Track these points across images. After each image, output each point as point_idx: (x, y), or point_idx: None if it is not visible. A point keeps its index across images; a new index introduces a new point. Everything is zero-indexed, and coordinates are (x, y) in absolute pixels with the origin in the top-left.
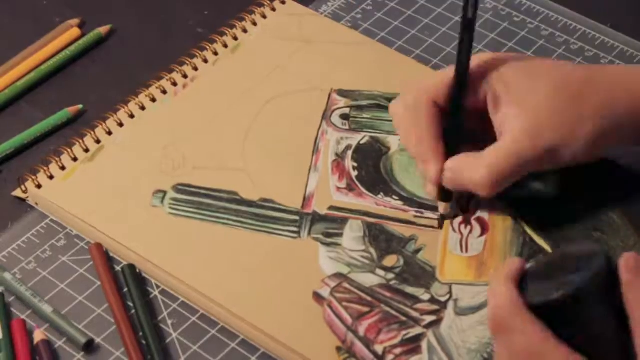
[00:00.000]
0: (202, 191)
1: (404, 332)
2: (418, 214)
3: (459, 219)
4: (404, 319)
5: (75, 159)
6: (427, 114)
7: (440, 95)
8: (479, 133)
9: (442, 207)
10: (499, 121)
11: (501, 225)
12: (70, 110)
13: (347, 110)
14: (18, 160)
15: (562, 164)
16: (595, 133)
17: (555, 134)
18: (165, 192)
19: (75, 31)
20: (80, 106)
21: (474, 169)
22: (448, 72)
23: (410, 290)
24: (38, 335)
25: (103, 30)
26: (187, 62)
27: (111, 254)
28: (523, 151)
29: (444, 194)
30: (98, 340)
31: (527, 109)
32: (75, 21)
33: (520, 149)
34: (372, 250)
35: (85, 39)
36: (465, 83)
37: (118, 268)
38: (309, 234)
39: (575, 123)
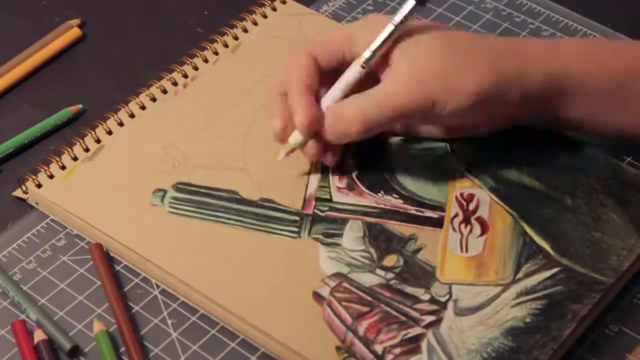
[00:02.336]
0: (203, 190)
1: (403, 332)
2: (418, 213)
3: (460, 218)
4: (403, 318)
5: (75, 159)
6: (306, 65)
7: (322, 53)
8: None
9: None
10: (386, 71)
11: (501, 225)
12: (71, 109)
13: None
14: (18, 160)
15: (442, 116)
16: (478, 88)
17: (435, 82)
18: (165, 191)
19: (75, 31)
20: (81, 106)
21: (349, 111)
22: (336, 35)
23: (410, 290)
24: (38, 335)
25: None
26: (188, 62)
27: (111, 254)
28: (399, 94)
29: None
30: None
31: (412, 58)
32: (76, 21)
33: (396, 91)
34: (372, 250)
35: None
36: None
37: (118, 268)
38: (309, 234)
39: (457, 74)
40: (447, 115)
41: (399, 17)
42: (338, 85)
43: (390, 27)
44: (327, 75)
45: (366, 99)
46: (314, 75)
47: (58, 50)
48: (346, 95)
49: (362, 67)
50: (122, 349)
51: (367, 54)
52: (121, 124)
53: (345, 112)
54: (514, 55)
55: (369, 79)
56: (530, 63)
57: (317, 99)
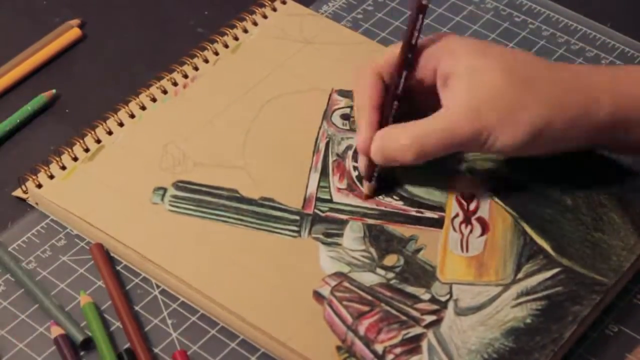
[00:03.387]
0: (203, 188)
1: (404, 332)
2: (418, 214)
3: (460, 218)
4: (404, 318)
5: (75, 159)
6: (370, 86)
7: (386, 71)
8: (430, 114)
9: (366, 187)
10: (445, 96)
11: (501, 225)
12: (45, 95)
13: (347, 110)
14: (7, 154)
15: (494, 149)
16: (533, 126)
17: (492, 115)
18: (165, 189)
19: (75, 31)
20: (54, 90)
21: (401, 136)
22: (395, 49)
23: (410, 289)
24: (56, 330)
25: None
26: (188, 62)
27: (111, 254)
28: (456, 127)
29: (368, 170)
30: None
31: (472, 86)
32: (76, 21)
33: (453, 123)
34: (372, 250)
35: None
36: (410, 65)
37: (118, 268)
38: (310, 233)
39: (514, 109)
40: (499, 151)
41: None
42: (390, 104)
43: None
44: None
45: (421, 127)
46: (379, 92)
47: (58, 50)
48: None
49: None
50: (125, 347)
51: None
52: (121, 124)
53: (397, 138)
54: (580, 90)
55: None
56: (597, 97)
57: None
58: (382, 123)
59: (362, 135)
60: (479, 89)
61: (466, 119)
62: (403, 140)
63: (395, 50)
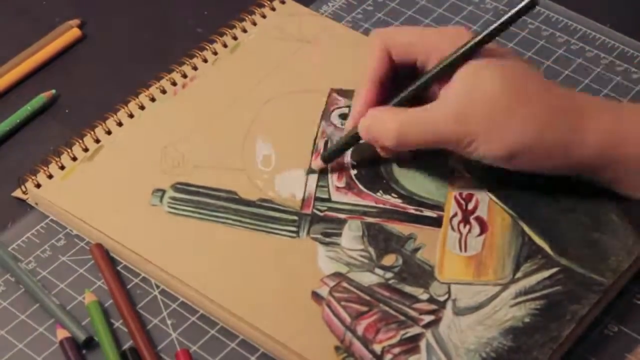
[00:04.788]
0: (201, 190)
1: (402, 332)
2: (417, 212)
3: (459, 217)
4: (402, 318)
5: (74, 159)
6: (377, 59)
7: (399, 53)
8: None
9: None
10: (443, 91)
11: (500, 224)
12: (45, 95)
13: (346, 110)
14: (7, 154)
15: (475, 156)
16: (515, 144)
17: (479, 122)
18: (164, 191)
19: (75, 31)
20: (54, 91)
21: (388, 120)
22: (413, 38)
23: (408, 289)
24: (61, 333)
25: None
26: (187, 62)
27: (111, 254)
28: (441, 125)
29: (345, 144)
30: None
31: (468, 88)
32: (76, 21)
33: (439, 120)
34: (371, 250)
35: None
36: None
37: (118, 268)
38: (308, 233)
39: (502, 122)
40: (479, 157)
41: (480, 37)
42: (400, 95)
43: (466, 48)
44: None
45: (408, 116)
46: (385, 68)
47: (58, 50)
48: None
49: (426, 82)
50: (127, 345)
51: (429, 73)
52: (120, 124)
53: (385, 120)
54: (570, 116)
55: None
56: (585, 130)
57: (387, 92)
58: (379, 99)
59: (355, 109)
60: (474, 94)
61: (452, 119)
62: (389, 124)
63: (408, 35)
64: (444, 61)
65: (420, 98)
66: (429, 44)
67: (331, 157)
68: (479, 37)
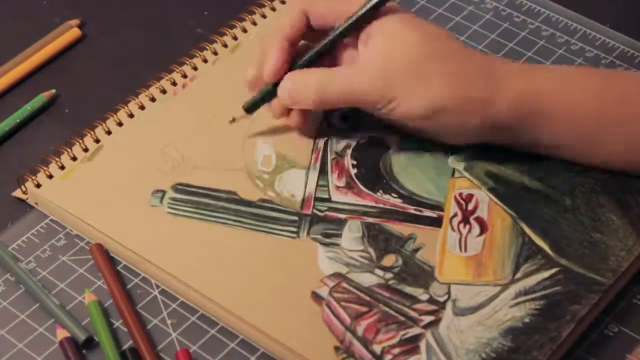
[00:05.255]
0: (201, 191)
1: (402, 332)
2: (417, 212)
3: (458, 218)
4: (402, 319)
5: (74, 159)
6: (294, 20)
7: (316, 19)
8: None
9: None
10: (362, 53)
11: (500, 224)
12: (45, 95)
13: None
14: (7, 154)
15: (394, 116)
16: (433, 102)
17: (397, 81)
18: (164, 192)
19: (75, 31)
20: (54, 90)
21: (309, 80)
22: (333, 8)
23: (408, 290)
24: (61, 333)
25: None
26: (187, 62)
27: (111, 254)
28: (360, 82)
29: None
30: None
31: (387, 47)
32: (75, 21)
33: (358, 78)
34: (371, 250)
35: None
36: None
37: (118, 268)
38: (308, 234)
39: (420, 82)
40: (398, 117)
41: (361, 11)
42: (309, 53)
43: (359, 12)
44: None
45: (329, 75)
46: (298, 28)
47: (58, 51)
48: (316, 64)
49: (332, 41)
50: (128, 344)
51: (335, 31)
52: (120, 124)
53: (305, 80)
54: (486, 76)
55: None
56: (500, 89)
57: (295, 52)
58: (290, 59)
59: (270, 63)
60: (393, 53)
61: (371, 77)
62: (309, 83)
63: (329, 5)
64: (350, 18)
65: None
66: (342, 10)
67: (251, 109)
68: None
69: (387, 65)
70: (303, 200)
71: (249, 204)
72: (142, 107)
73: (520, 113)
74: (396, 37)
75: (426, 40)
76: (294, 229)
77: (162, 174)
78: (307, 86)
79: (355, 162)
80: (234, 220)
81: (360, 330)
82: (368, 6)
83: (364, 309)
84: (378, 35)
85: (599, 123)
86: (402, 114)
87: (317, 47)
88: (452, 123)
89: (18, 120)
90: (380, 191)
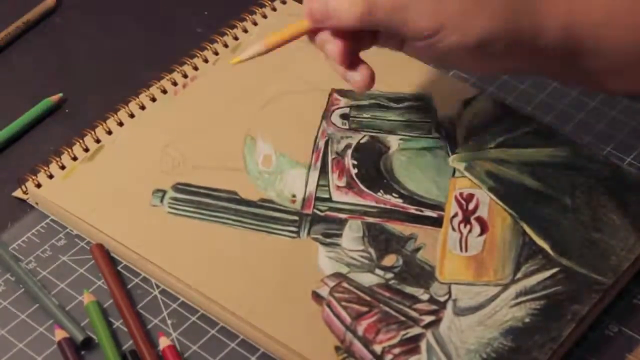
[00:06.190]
0: (202, 190)
1: (402, 332)
2: (418, 212)
3: (459, 217)
4: (402, 318)
5: (75, 159)
6: None
7: None
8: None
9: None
10: None
11: (501, 224)
12: (52, 99)
13: (347, 110)
14: (6, 154)
15: (440, 48)
16: (485, 32)
17: (453, 9)
18: (164, 192)
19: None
20: (61, 94)
21: None
22: None
23: (409, 290)
24: (60, 334)
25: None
26: (188, 62)
27: (111, 254)
28: (415, 4)
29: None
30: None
31: None
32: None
33: (413, 1)
34: (371, 250)
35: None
36: None
37: (118, 268)
38: (309, 234)
39: (475, 10)
40: (446, 49)
41: None
42: None
43: None
44: None
45: None
46: None
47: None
48: None
49: None
50: (128, 344)
51: None
52: (121, 124)
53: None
54: (531, 11)
55: None
56: (548, 14)
57: None
58: None
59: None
60: None
61: (426, 1)
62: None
63: None
64: None
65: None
66: None
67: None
68: None
69: None
70: (304, 200)
71: (249, 203)
72: (142, 107)
73: (570, 42)
74: None
75: None
76: (295, 229)
77: (162, 173)
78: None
79: (355, 162)
80: (235, 220)
81: (360, 330)
82: None
83: (365, 308)
84: None
85: None
86: (450, 45)
87: None
88: (503, 56)
89: (26, 123)
90: (381, 191)
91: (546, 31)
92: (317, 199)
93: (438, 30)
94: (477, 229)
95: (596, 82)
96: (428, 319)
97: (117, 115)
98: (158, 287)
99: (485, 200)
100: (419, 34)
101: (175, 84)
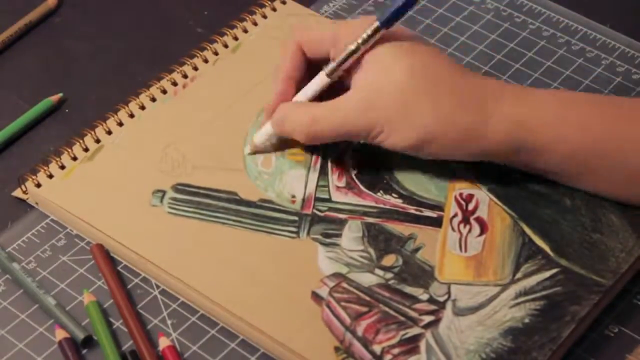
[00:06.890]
0: (202, 191)
1: (402, 332)
2: (417, 212)
3: (459, 218)
4: (402, 319)
5: (75, 159)
6: (290, 58)
7: (308, 47)
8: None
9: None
10: (354, 78)
11: (500, 225)
12: (53, 99)
13: None
14: (7, 154)
15: (385, 145)
16: (420, 135)
17: (383, 114)
18: (164, 192)
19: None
20: (61, 94)
21: (301, 115)
22: (325, 32)
23: (408, 290)
24: (60, 333)
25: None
26: (187, 62)
27: (111, 254)
28: (348, 115)
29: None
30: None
31: (373, 79)
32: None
33: (346, 112)
34: (371, 250)
35: None
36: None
37: (118, 268)
38: (308, 234)
39: (406, 114)
40: (390, 147)
41: (363, 36)
42: (305, 89)
43: (353, 45)
44: (316, 67)
45: (321, 108)
46: (298, 65)
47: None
48: (313, 99)
49: (327, 76)
50: (128, 344)
51: (331, 65)
52: (121, 124)
53: (295, 114)
54: (477, 106)
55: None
56: (491, 121)
57: (298, 86)
58: (293, 94)
59: (271, 103)
60: (382, 83)
61: (362, 110)
62: (301, 117)
63: (317, 31)
64: (346, 49)
65: (337, 90)
66: (337, 36)
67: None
68: (376, 24)
69: (376, 97)
70: (303, 200)
71: (249, 204)
72: (142, 107)
73: (512, 146)
74: (385, 68)
75: (414, 66)
76: (294, 229)
77: (162, 174)
78: (299, 121)
79: (355, 163)
80: (234, 221)
81: (360, 330)
82: (370, 29)
83: (364, 309)
84: (368, 65)
85: (594, 154)
86: (393, 144)
87: (309, 85)
88: (443, 153)
89: (26, 123)
90: (381, 191)
91: (493, 132)
92: (317, 199)
93: (378, 133)
94: (476, 229)
95: (545, 177)
96: (427, 319)
97: (117, 115)
98: (158, 287)
99: (485, 201)
100: (363, 138)
101: (175, 84)
